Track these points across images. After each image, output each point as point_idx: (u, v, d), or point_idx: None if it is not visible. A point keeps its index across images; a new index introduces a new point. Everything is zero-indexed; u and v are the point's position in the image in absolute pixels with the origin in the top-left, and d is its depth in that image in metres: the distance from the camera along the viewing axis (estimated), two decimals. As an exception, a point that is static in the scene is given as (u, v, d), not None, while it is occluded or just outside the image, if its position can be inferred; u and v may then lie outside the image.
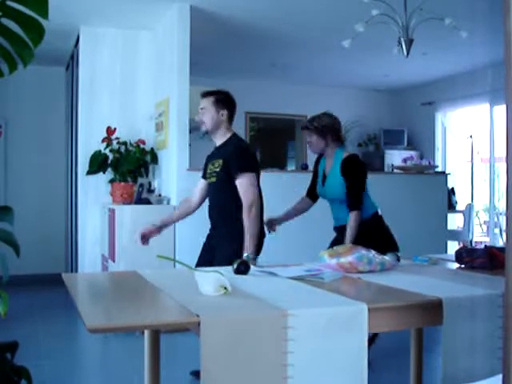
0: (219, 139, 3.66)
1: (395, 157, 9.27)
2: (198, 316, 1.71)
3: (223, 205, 3.61)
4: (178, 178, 5.43)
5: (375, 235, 3.71)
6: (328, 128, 3.75)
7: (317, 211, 4.18)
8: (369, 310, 1.88)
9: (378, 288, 2.30)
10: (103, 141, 5.95)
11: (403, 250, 3.38)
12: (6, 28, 1.63)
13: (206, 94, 3.68)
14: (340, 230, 3.82)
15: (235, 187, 3.48)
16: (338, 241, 3.80)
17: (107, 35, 6.36)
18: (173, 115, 5.60)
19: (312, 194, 4.04)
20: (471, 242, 7.89)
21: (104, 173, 6.07)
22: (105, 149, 5.98)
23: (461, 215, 8.22)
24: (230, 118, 3.67)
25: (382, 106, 10.13)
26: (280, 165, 10.63)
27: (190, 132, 5.73)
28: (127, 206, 5.49)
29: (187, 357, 4.16)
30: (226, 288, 2.01)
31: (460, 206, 8.40)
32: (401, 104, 10.13)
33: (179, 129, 5.51)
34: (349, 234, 3.60)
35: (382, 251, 3.44)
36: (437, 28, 4.90)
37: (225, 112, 3.61)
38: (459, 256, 2.88)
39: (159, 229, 3.71)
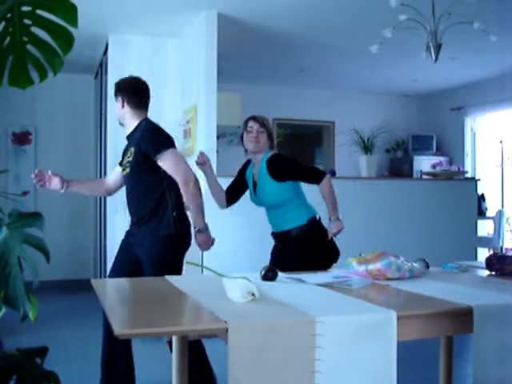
0: (128, 128, 3.54)
1: (424, 163, 9.19)
2: (225, 322, 1.71)
3: (140, 198, 3.44)
4: (206, 184, 5.44)
5: (314, 242, 3.58)
6: (272, 133, 3.73)
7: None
8: (398, 317, 1.86)
9: (407, 295, 2.28)
10: (132, 147, 5.99)
11: (433, 256, 3.33)
12: (36, 37, 1.65)
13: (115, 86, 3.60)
14: (279, 237, 3.66)
15: (153, 176, 3.34)
16: (277, 247, 3.72)
17: (135, 43, 6.41)
18: (200, 122, 5.62)
19: (228, 195, 3.85)
20: (502, 248, 7.76)
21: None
22: (133, 155, 6.02)
23: (491, 221, 8.10)
24: (135, 104, 3.52)
25: (411, 111, 10.06)
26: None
27: (218, 138, 5.75)
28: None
29: (214, 363, 4.15)
30: (253, 294, 2.01)
31: (490, 212, 8.28)
32: (429, 109, 10.04)
33: (207, 135, 5.52)
34: (330, 200, 3.55)
35: (323, 258, 3.39)
36: (465, 32, 4.85)
37: (124, 99, 3.50)
38: (489, 263, 2.85)
39: (61, 180, 3.78)
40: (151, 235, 3.37)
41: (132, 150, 3.39)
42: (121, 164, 3.60)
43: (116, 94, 3.55)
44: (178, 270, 3.33)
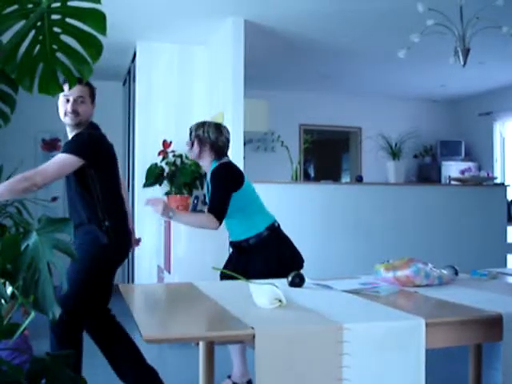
0: (75, 132, 3.40)
1: (452, 168, 9.11)
2: (253, 328, 1.71)
3: (73, 208, 3.30)
4: (266, 193, 5.46)
5: (275, 249, 3.46)
6: (206, 140, 3.54)
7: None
8: (426, 324, 1.85)
9: (435, 302, 2.26)
10: (159, 154, 6.04)
11: (461, 263, 3.30)
12: (65, 44, 1.67)
13: (87, 83, 3.48)
14: (238, 247, 3.56)
15: (79, 184, 3.21)
16: (233, 256, 3.64)
17: (163, 50, 6.47)
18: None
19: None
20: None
21: (160, 185, 6.16)
22: (161, 162, 6.07)
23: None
24: None
25: (439, 116, 9.98)
26: (334, 177, 10.59)
27: (245, 145, 5.76)
28: (182, 218, 5.54)
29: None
30: (280, 301, 2.01)
31: (520, 219, 8.17)
32: (458, 114, 9.95)
33: (234, 141, 5.53)
34: (191, 219, 3.50)
35: (285, 265, 3.22)
36: (494, 37, 4.81)
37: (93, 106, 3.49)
38: (520, 270, 2.81)
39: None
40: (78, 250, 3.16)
41: None
42: None
43: (93, 97, 3.72)
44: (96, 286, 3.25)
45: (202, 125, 3.59)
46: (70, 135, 3.39)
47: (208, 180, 3.54)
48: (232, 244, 3.62)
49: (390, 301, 2.24)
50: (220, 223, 3.34)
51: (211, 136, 3.53)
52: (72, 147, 3.20)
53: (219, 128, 3.59)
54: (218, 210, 3.33)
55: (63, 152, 3.15)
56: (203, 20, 5.70)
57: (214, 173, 3.45)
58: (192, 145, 3.56)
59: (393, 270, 2.56)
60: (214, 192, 3.39)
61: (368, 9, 5.30)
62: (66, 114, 3.37)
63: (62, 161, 3.14)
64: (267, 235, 3.47)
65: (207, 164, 3.55)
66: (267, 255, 3.41)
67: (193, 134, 3.57)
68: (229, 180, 3.46)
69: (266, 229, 3.47)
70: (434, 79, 8.25)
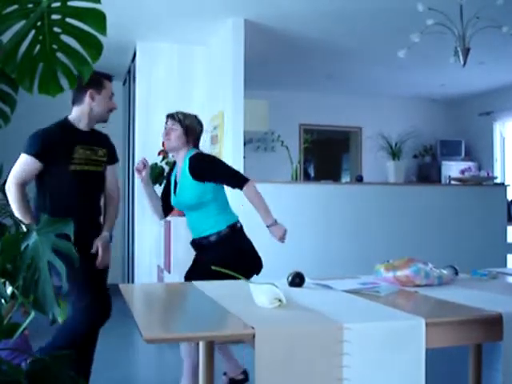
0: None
1: (452, 168, 9.11)
2: (253, 328, 1.71)
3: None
4: (233, 190, 5.45)
5: (231, 250, 3.41)
6: (193, 130, 3.49)
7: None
8: (426, 324, 1.85)
9: (435, 302, 2.26)
10: (159, 153, 6.04)
11: (461, 263, 3.30)
12: (65, 44, 1.67)
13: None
14: (198, 245, 3.52)
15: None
16: (197, 257, 3.58)
17: (163, 50, 6.47)
18: (228, 128, 5.64)
19: (165, 208, 3.70)
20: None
21: (160, 185, 6.14)
22: (161, 161, 6.07)
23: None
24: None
25: (439, 116, 9.98)
26: (334, 177, 10.59)
27: (245, 144, 5.76)
28: (183, 218, 5.50)
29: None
30: (280, 300, 2.01)
31: (520, 219, 8.17)
32: (458, 114, 9.95)
33: (234, 141, 5.54)
34: (259, 206, 3.37)
35: (240, 268, 2.92)
36: (494, 37, 4.81)
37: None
38: (520, 270, 2.81)
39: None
40: None
41: (105, 151, 3.54)
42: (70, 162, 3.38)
43: None
44: None
45: (187, 115, 3.53)
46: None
47: (181, 170, 3.46)
48: (192, 243, 3.56)
49: (390, 301, 2.24)
50: (248, 179, 3.41)
51: (197, 126, 3.53)
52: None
53: (199, 120, 3.59)
54: (238, 175, 3.45)
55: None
56: (203, 20, 5.70)
57: (196, 161, 3.39)
58: (179, 133, 3.46)
59: (393, 270, 2.56)
60: (220, 171, 3.42)
61: (368, 8, 5.30)
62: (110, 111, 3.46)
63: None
64: (227, 234, 3.41)
65: (184, 154, 3.48)
66: (222, 254, 3.32)
67: (183, 121, 3.46)
68: (215, 157, 3.54)
69: (227, 227, 3.42)
70: (434, 79, 8.26)
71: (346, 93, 9.23)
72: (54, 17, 1.64)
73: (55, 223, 1.84)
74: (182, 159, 3.47)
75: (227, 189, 3.54)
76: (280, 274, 2.60)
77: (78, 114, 3.36)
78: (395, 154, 6.61)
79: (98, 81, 3.29)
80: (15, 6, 1.62)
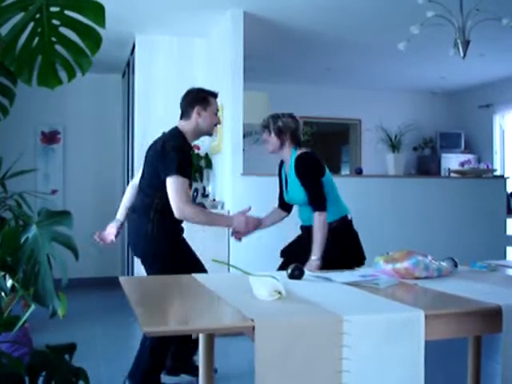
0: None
1: (452, 160, 9.11)
2: (252, 320, 1.71)
3: None
4: (232, 183, 5.46)
5: (340, 241, 3.51)
6: (287, 129, 3.60)
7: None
8: (426, 316, 1.85)
9: (434, 294, 2.26)
10: (159, 146, 6.03)
11: (461, 255, 3.30)
12: (64, 37, 1.67)
13: None
14: (305, 229, 3.63)
15: None
16: (300, 237, 3.69)
17: (162, 43, 6.46)
18: (227, 121, 5.63)
19: (282, 204, 3.83)
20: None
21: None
22: (160, 154, 6.07)
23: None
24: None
25: (439, 108, 9.97)
26: (334, 169, 10.58)
27: (244, 137, 5.75)
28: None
29: (241, 360, 4.17)
30: (280, 293, 2.01)
31: (520, 211, 8.18)
32: (457, 106, 9.94)
33: (233, 134, 5.53)
34: (316, 239, 3.36)
35: (347, 259, 3.26)
36: (494, 29, 4.80)
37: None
38: (519, 262, 2.81)
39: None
40: None
41: None
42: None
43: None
44: None
45: (277, 116, 3.64)
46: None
47: (289, 169, 3.59)
48: (302, 228, 3.69)
49: (390, 293, 2.24)
50: (325, 210, 3.42)
51: (291, 125, 3.62)
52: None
53: (294, 116, 3.69)
54: (321, 200, 3.44)
55: None
56: (202, 12, 5.68)
57: (298, 163, 3.50)
58: (270, 138, 3.60)
59: (392, 263, 2.56)
60: (309, 186, 3.47)
61: (368, 0, 5.29)
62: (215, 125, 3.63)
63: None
64: (338, 225, 3.53)
65: (288, 154, 3.61)
66: (332, 245, 3.40)
67: (271, 126, 3.59)
68: (316, 167, 3.54)
69: (339, 218, 3.56)
70: (434, 71, 8.24)
71: (345, 85, 9.21)
72: (53, 9, 1.64)
73: (55, 216, 1.84)
74: (288, 159, 3.61)
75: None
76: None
77: (185, 129, 3.53)
78: (395, 146, 6.61)
79: (205, 98, 3.56)
80: (14, -1, 1.62)
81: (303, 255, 3.36)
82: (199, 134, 3.59)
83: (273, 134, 3.59)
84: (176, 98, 6.42)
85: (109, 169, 8.04)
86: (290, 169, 3.59)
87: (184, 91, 6.39)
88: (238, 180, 5.45)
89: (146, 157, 3.59)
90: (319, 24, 5.99)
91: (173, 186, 3.25)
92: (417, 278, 2.50)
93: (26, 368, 1.85)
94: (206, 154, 6.14)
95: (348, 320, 1.77)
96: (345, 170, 10.94)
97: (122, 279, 2.51)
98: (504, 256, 6.28)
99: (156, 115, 6.41)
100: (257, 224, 3.58)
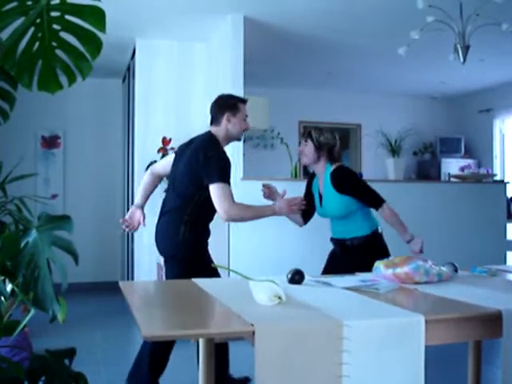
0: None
1: (452, 165, 9.11)
2: (252, 325, 1.71)
3: None
4: (232, 187, 5.44)
5: (373, 253, 3.52)
6: (326, 145, 3.73)
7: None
8: (426, 321, 1.85)
9: (435, 299, 2.26)
10: (159, 151, 6.04)
11: (461, 260, 3.30)
12: (65, 41, 1.67)
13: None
14: (337, 243, 3.80)
15: None
16: (334, 253, 3.84)
17: (163, 47, 6.47)
18: (227, 125, 5.63)
19: (304, 213, 3.89)
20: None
21: (160, 182, 6.15)
22: (161, 159, 6.07)
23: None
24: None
25: (438, 113, 9.97)
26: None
27: (244, 141, 5.76)
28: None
29: (241, 365, 4.16)
30: (280, 297, 2.01)
31: (520, 216, 8.17)
32: (457, 111, 9.95)
33: (233, 139, 5.53)
34: (397, 225, 3.63)
35: None
36: (494, 34, 4.81)
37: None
38: (520, 267, 2.81)
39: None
40: None
41: None
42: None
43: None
44: None
45: (319, 130, 3.78)
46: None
47: (324, 184, 3.71)
48: (334, 241, 3.84)
49: (390, 298, 2.24)
50: (384, 201, 3.64)
51: (330, 141, 3.74)
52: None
53: (333, 133, 3.84)
54: (376, 197, 3.64)
55: None
56: (203, 17, 5.69)
57: (339, 177, 3.63)
58: (308, 150, 3.73)
59: (392, 267, 2.56)
60: (361, 192, 3.64)
61: (368, 5, 5.30)
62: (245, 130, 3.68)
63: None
64: (371, 239, 3.69)
65: (322, 168, 3.73)
66: (367, 259, 3.37)
67: (314, 138, 3.72)
68: (354, 174, 3.75)
69: (371, 232, 3.71)
70: (434, 76, 8.25)
71: (345, 90, 9.22)
72: (53, 14, 1.64)
73: (55, 220, 1.84)
74: (323, 173, 3.73)
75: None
76: (281, 272, 2.60)
77: (217, 134, 3.59)
78: (395, 151, 6.60)
79: (234, 105, 3.61)
80: (14, 3, 1.62)
81: (342, 266, 3.46)
82: (229, 139, 3.63)
83: (312, 147, 3.71)
84: (176, 103, 6.48)
85: (109, 173, 8.04)
86: (324, 183, 3.71)
87: (184, 96, 6.40)
88: (238, 184, 5.44)
89: (180, 156, 3.62)
90: (319, 29, 6.00)
91: (217, 192, 3.31)
92: (417, 283, 2.50)
93: (25, 373, 1.84)
94: (206, 159, 6.14)
95: (348, 325, 1.77)
96: (345, 175, 10.94)
97: (121, 284, 2.51)
98: (504, 261, 6.28)
99: (156, 120, 6.42)
100: (299, 201, 3.58)
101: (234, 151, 5.50)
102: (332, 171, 3.65)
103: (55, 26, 1.65)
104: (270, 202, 3.65)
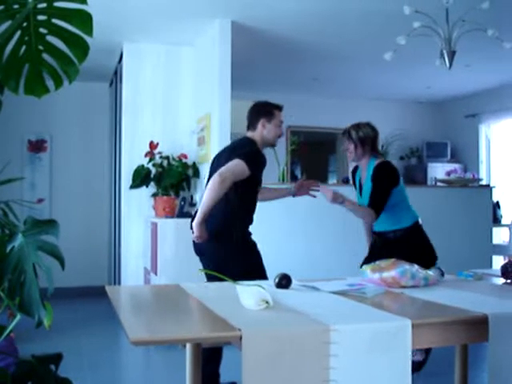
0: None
1: (438, 170, 9.15)
2: (239, 330, 1.71)
3: None
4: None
5: (414, 244, 3.80)
6: (367, 138, 3.84)
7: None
8: (412, 325, 1.86)
9: (421, 303, 2.27)
10: (146, 155, 6.03)
11: (447, 264, 3.32)
12: (51, 45, 1.67)
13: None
14: (379, 235, 3.92)
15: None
16: (375, 245, 3.98)
17: (150, 51, 6.45)
18: (214, 130, 5.63)
19: None
20: (517, 256, 7.71)
21: (147, 187, 6.14)
22: (148, 163, 6.06)
23: (506, 229, 8.05)
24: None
25: (425, 118, 10.03)
26: (321, 178, 10.60)
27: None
28: (169, 220, 5.54)
29: (228, 370, 4.15)
30: (267, 302, 2.01)
31: (505, 220, 8.22)
32: (444, 116, 10.00)
33: (221, 143, 5.52)
34: (356, 208, 3.73)
35: (421, 261, 3.41)
36: (479, 39, 4.84)
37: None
38: (505, 271, 2.83)
39: None
40: None
41: None
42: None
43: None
44: None
45: (358, 126, 3.92)
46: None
47: (366, 176, 3.85)
48: (376, 233, 3.96)
49: (377, 302, 2.24)
50: (376, 218, 3.68)
51: (371, 134, 3.88)
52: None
53: (372, 126, 3.95)
54: (378, 206, 3.67)
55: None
56: (190, 21, 5.69)
57: (377, 171, 3.76)
58: (352, 148, 3.88)
59: (379, 272, 2.57)
60: (376, 189, 3.72)
61: (355, 11, 5.31)
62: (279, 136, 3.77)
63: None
64: (412, 231, 3.83)
65: (366, 162, 3.88)
66: (409, 250, 3.60)
67: (354, 136, 3.87)
68: (391, 178, 3.77)
69: (412, 224, 3.85)
70: (420, 81, 8.29)
71: (332, 95, 9.24)
72: (40, 17, 1.64)
73: (41, 225, 1.83)
74: (366, 166, 3.88)
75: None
76: (269, 276, 2.60)
77: (253, 139, 3.69)
78: (382, 155, 6.62)
79: (270, 111, 3.75)
80: (1, 7, 1.61)
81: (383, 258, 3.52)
82: (264, 144, 3.71)
83: (355, 144, 3.85)
84: (163, 107, 6.47)
85: (96, 177, 8.01)
86: (366, 176, 3.85)
87: (172, 100, 6.43)
88: (225, 189, 5.44)
89: (218, 163, 3.62)
90: (306, 34, 6.01)
91: (231, 164, 3.35)
92: (403, 287, 2.51)
93: (11, 378, 1.83)
94: (194, 163, 6.14)
95: (335, 329, 1.77)
96: (332, 179, 10.95)
97: (108, 288, 2.50)
98: (490, 265, 6.31)
99: (143, 123, 6.41)
100: (313, 183, 3.94)
101: (221, 155, 5.49)
102: (376, 165, 3.79)
103: (42, 30, 1.65)
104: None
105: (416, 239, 3.85)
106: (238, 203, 3.49)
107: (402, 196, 3.84)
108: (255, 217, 3.68)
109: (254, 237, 3.72)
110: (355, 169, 4.10)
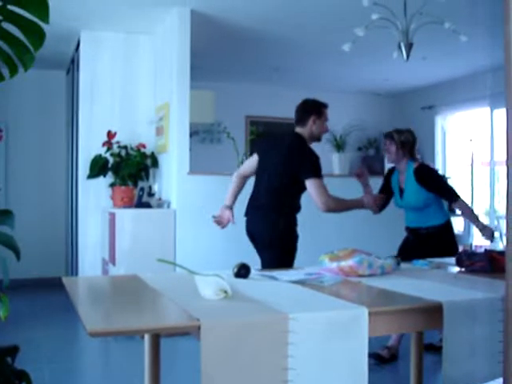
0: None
1: (395, 160, 9.25)
2: (198, 320, 1.71)
3: None
4: (179, 182, 5.43)
5: (444, 240, 4.17)
6: (408, 143, 4.22)
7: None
8: (369, 313, 1.88)
9: (378, 292, 2.30)
10: (104, 145, 5.95)
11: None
12: (6, 32, 1.63)
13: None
14: (413, 231, 4.27)
15: None
16: (407, 240, 4.31)
17: (108, 39, 6.36)
18: (173, 119, 5.60)
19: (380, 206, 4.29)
20: (471, 245, 7.85)
21: (104, 177, 6.07)
22: (105, 153, 5.99)
23: (461, 219, 8.21)
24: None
25: (382, 109, 10.13)
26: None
27: (191, 136, 5.73)
28: (128, 210, 5.49)
29: (187, 360, 4.16)
30: (226, 292, 2.01)
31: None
32: (401, 108, 10.13)
33: (179, 133, 5.51)
34: (470, 217, 4.21)
35: (447, 255, 3.65)
36: (436, 32, 4.90)
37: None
38: (459, 260, 2.89)
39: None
40: None
41: None
42: None
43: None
44: None
45: (400, 131, 4.29)
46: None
47: (406, 178, 4.19)
48: (409, 229, 4.32)
49: (334, 291, 2.27)
50: (460, 196, 4.13)
51: (411, 139, 4.26)
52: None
53: (412, 132, 4.33)
54: (454, 192, 4.17)
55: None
56: (149, 9, 5.63)
57: (423, 174, 4.13)
58: (394, 149, 4.24)
59: (337, 261, 2.59)
60: (440, 184, 4.23)
61: (314, 2, 5.33)
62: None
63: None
64: (445, 228, 4.19)
65: (404, 165, 4.24)
66: (440, 246, 4.01)
67: (396, 139, 4.23)
68: (437, 173, 4.45)
69: (446, 221, 4.22)
70: (378, 73, 8.37)
71: (292, 86, 9.25)
72: (-5, 4, 1.60)
73: (-4, 215, 1.80)
74: (405, 169, 4.23)
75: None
76: (228, 266, 2.60)
77: (302, 135, 3.95)
78: (340, 146, 6.69)
79: (319, 109, 4.03)
80: (-47, -8, 1.57)
81: (414, 252, 3.84)
82: (312, 139, 3.96)
83: (397, 146, 4.22)
84: (121, 96, 6.40)
85: (52, 167, 7.89)
86: (407, 178, 4.18)
87: (130, 88, 6.39)
88: (184, 179, 5.43)
89: (266, 154, 4.00)
90: (267, 24, 6.01)
91: (314, 186, 3.66)
92: (361, 276, 2.54)
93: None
94: (152, 153, 6.09)
95: (293, 318, 1.79)
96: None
97: (65, 279, 2.48)
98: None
99: (101, 112, 6.32)
100: (382, 197, 4.23)
101: (180, 145, 5.47)
102: (415, 168, 4.13)
103: (-4, 16, 1.61)
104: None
105: (446, 236, 4.20)
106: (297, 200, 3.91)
107: (438, 197, 4.17)
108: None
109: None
110: (390, 172, 4.44)
